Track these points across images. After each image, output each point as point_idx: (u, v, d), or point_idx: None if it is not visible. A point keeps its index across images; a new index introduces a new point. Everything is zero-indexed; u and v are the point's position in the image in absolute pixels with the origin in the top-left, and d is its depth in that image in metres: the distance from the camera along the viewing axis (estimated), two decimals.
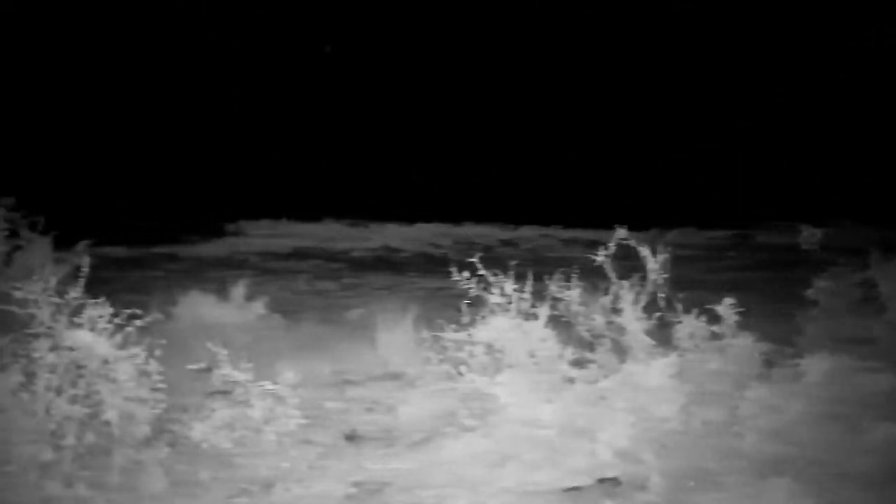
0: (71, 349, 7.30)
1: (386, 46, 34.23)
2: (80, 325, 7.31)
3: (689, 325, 8.83)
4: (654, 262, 9.02)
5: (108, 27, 31.86)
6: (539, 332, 8.61)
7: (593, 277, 9.31)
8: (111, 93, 31.21)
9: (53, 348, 7.37)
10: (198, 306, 12.11)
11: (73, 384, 7.39)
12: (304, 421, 7.51)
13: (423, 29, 34.37)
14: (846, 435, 8.09)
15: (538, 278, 9.25)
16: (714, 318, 8.81)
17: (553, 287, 8.93)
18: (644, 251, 9.08)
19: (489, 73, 34.96)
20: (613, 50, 34.58)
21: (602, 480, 7.55)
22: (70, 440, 7.29)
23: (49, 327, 7.42)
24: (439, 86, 34.41)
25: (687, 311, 8.95)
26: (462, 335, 8.78)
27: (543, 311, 8.74)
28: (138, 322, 7.55)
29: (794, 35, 32.97)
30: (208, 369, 7.84)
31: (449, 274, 9.17)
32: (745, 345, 8.71)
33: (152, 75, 32.07)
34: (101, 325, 7.34)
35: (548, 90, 34.64)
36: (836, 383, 8.45)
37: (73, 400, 7.37)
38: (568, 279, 9.09)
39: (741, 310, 8.90)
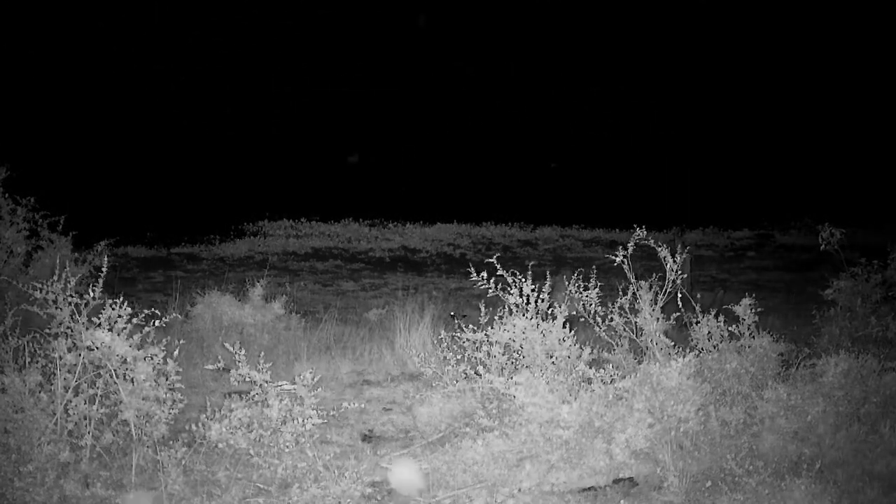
0: (90, 349, 7.32)
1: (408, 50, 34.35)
2: (99, 325, 7.33)
3: (707, 326, 8.80)
4: (674, 263, 9.00)
5: (133, 34, 32.05)
6: (557, 332, 8.59)
7: (612, 278, 9.30)
8: (132, 95, 31.35)
9: (72, 348, 7.39)
10: (217, 306, 12.12)
11: (92, 384, 7.42)
12: (321, 421, 7.50)
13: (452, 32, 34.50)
14: (868, 436, 8.06)
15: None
16: (733, 319, 8.78)
17: (572, 287, 8.91)
18: (663, 251, 9.05)
19: (507, 77, 35.02)
20: (634, 54, 34.61)
21: (619, 481, 7.54)
22: (88, 440, 7.32)
23: (68, 327, 7.44)
24: (458, 84, 34.47)
25: (706, 311, 8.92)
26: (480, 335, 8.78)
27: (561, 311, 8.72)
28: (157, 322, 7.58)
29: (816, 41, 32.95)
30: (226, 369, 7.84)
31: (468, 274, 9.16)
32: (764, 345, 8.68)
33: (177, 79, 32.24)
34: (120, 325, 7.36)
35: (571, 90, 34.68)
36: (856, 384, 8.40)
37: (92, 400, 7.40)
38: (586, 279, 9.07)
39: (760, 310, 8.87)
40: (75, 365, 7.33)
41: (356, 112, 33.95)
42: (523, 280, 8.75)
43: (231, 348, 7.52)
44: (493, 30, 35.59)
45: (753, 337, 8.70)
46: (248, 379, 7.45)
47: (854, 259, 11.60)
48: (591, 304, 8.90)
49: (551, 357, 8.55)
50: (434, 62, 34.69)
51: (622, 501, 7.25)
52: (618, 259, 8.92)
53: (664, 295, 8.89)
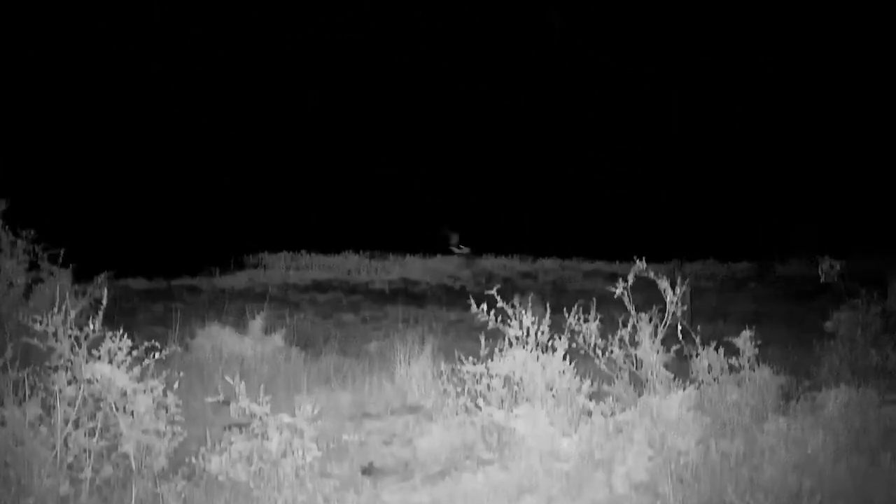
0: (90, 382, 7.32)
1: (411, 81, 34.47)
2: (99, 358, 7.33)
3: (707, 357, 8.80)
4: (674, 294, 9.00)
5: (133, 62, 32.17)
6: (557, 365, 8.58)
7: (612, 309, 9.30)
8: (133, 127, 31.42)
9: (72, 381, 7.39)
10: (217, 338, 12.12)
11: (92, 417, 7.41)
12: (321, 453, 7.49)
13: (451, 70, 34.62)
14: (868, 468, 8.05)
15: (557, 310, 9.24)
16: (733, 350, 8.78)
17: (572, 319, 8.90)
18: (663, 283, 9.05)
19: (509, 108, 35.13)
20: (633, 84, 34.74)
21: None
22: (88, 473, 7.31)
23: (68, 360, 7.44)
24: (462, 118, 34.58)
25: (706, 343, 8.92)
26: (480, 367, 8.77)
27: (562, 343, 8.71)
28: (157, 355, 7.57)
29: (814, 71, 33.09)
30: (226, 402, 7.83)
31: (468, 306, 9.16)
32: (764, 377, 8.68)
33: (177, 110, 32.33)
34: (120, 357, 7.36)
35: (573, 124, 34.78)
36: (857, 415, 8.41)
37: (92, 432, 7.38)
38: (587, 311, 9.06)
39: (760, 342, 8.87)
40: (75, 397, 7.33)
41: (355, 142, 34.07)
42: (523, 312, 8.75)
43: (231, 380, 7.52)
44: (493, 62, 35.73)
45: (753, 369, 8.70)
46: (248, 411, 7.44)
47: (854, 290, 11.61)
48: (591, 336, 8.90)
49: (551, 389, 8.54)
50: (434, 94, 34.80)
51: None
52: (618, 291, 8.93)
53: (664, 327, 8.89)
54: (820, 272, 11.65)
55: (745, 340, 8.74)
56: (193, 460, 7.40)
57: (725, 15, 34.42)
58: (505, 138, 35.06)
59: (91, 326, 7.44)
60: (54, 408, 7.30)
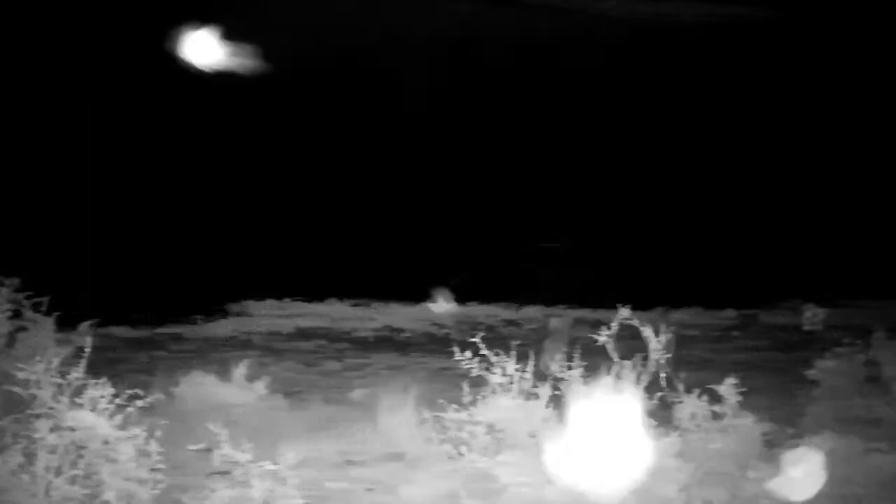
0: (72, 429, 7.30)
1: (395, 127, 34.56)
2: (81, 406, 7.31)
3: (690, 405, 8.79)
4: (657, 342, 9.00)
5: (111, 109, 32.25)
6: (541, 413, 8.57)
7: (596, 357, 9.29)
8: (114, 174, 31.42)
9: (54, 429, 7.37)
10: (200, 386, 12.08)
11: (74, 465, 7.38)
12: (304, 502, 7.47)
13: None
14: None
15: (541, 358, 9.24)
16: (716, 398, 8.78)
17: (555, 367, 8.90)
18: (647, 331, 9.06)
19: (491, 151, 35.27)
20: (615, 123, 34.93)
21: None
22: None
23: (51, 408, 7.43)
24: (446, 161, 34.67)
25: (689, 391, 8.92)
26: (463, 415, 8.76)
27: (545, 391, 8.70)
28: (140, 402, 7.56)
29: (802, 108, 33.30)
30: (209, 450, 7.81)
31: (452, 354, 9.15)
32: (748, 425, 8.67)
33: (155, 156, 32.39)
34: (103, 405, 7.34)
35: (550, 166, 34.89)
36: (840, 464, 8.41)
37: (73, 480, 7.35)
38: (570, 359, 9.06)
39: (743, 390, 8.87)
40: (57, 445, 7.31)
41: (342, 188, 34.09)
42: (507, 359, 8.75)
43: (214, 428, 7.50)
44: (481, 113, 35.93)
45: (737, 417, 8.70)
46: (230, 459, 7.42)
47: (839, 339, 11.63)
48: (574, 383, 8.89)
49: (534, 437, 8.53)
50: (424, 145, 34.94)
51: None
52: (601, 339, 8.93)
53: (647, 374, 8.89)
54: (804, 320, 11.68)
55: (728, 387, 8.74)
56: None
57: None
58: (488, 180, 35.18)
59: (74, 374, 7.43)
60: (36, 456, 7.27)
